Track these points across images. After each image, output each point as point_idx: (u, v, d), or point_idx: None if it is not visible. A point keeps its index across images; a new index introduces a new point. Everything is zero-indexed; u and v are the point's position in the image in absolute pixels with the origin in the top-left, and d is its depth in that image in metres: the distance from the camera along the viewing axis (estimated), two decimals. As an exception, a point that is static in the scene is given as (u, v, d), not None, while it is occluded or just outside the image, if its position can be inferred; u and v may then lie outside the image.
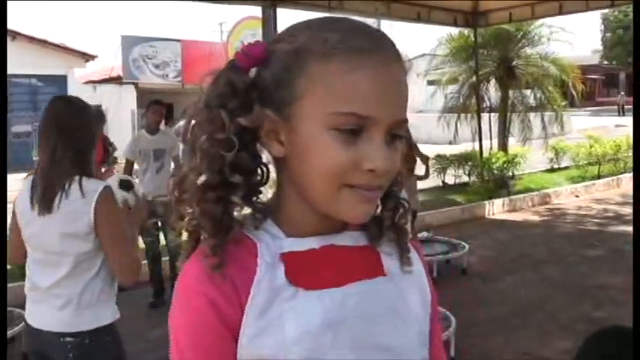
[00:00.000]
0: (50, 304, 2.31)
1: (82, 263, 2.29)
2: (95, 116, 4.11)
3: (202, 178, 0.81)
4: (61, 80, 18.98)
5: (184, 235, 0.88)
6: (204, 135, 0.81)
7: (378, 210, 0.90)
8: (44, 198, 2.26)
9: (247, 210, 0.86)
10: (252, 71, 0.83)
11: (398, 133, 0.82)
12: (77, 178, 2.26)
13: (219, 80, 0.83)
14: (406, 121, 0.83)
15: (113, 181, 2.60)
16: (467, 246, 6.71)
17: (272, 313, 0.80)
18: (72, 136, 2.30)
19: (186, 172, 0.84)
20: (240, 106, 0.81)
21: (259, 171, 0.86)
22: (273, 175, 0.89)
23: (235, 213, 0.84)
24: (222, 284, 0.80)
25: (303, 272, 0.82)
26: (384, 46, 0.81)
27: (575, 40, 18.17)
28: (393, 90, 0.80)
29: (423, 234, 7.15)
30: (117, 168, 5.97)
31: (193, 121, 0.84)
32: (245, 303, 0.80)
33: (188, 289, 0.83)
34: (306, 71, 0.79)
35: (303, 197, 0.84)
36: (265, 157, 0.87)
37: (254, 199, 0.86)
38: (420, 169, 5.99)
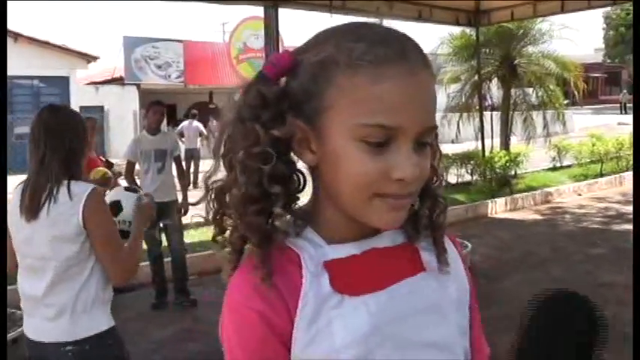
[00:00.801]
0: (43, 316, 2.31)
1: (73, 268, 2.28)
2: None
3: (243, 192, 0.82)
4: (64, 81, 19.02)
5: (226, 250, 0.88)
6: (240, 149, 0.82)
7: (415, 207, 0.91)
8: (31, 204, 2.27)
9: (286, 217, 0.86)
10: (282, 81, 0.84)
11: (426, 140, 0.82)
12: (65, 182, 2.27)
13: (249, 93, 0.83)
14: (435, 127, 0.84)
15: (120, 193, 2.62)
16: (470, 245, 6.69)
17: (320, 321, 0.81)
18: (60, 142, 2.32)
19: (223, 185, 0.85)
20: (272, 117, 0.82)
21: (296, 178, 0.87)
22: (309, 180, 0.91)
23: (277, 222, 0.85)
24: (270, 297, 0.82)
25: (347, 279, 0.83)
26: (409, 55, 0.80)
27: (577, 37, 18.14)
28: (419, 99, 0.80)
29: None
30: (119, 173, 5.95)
31: (225, 135, 0.85)
32: (294, 314, 0.81)
33: (238, 304, 0.84)
34: (334, 82, 0.79)
35: (336, 204, 0.85)
36: (300, 163, 0.88)
37: (294, 206, 0.87)
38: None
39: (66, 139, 2.34)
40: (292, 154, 0.86)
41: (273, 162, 0.81)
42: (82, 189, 2.28)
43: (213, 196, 0.86)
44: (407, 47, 0.81)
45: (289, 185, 0.85)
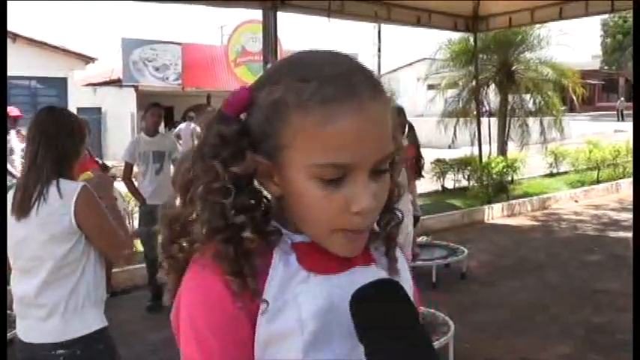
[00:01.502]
0: (35, 316, 2.31)
1: (65, 267, 2.28)
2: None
3: (207, 225, 0.86)
4: (61, 82, 19.00)
5: (167, 275, 0.93)
6: (200, 185, 0.85)
7: (375, 227, 0.95)
8: (22, 203, 2.28)
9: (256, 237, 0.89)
10: (242, 116, 0.87)
11: (383, 168, 0.85)
12: (55, 181, 2.28)
13: (210, 131, 0.87)
14: (391, 154, 0.86)
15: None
16: (466, 250, 6.70)
17: (287, 294, 0.85)
18: (53, 142, 2.33)
19: (177, 216, 0.89)
20: (232, 154, 0.85)
21: (262, 205, 0.90)
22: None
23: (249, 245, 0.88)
24: (242, 271, 0.85)
25: (312, 259, 0.88)
26: (358, 90, 0.82)
27: (574, 43, 18.19)
28: (371, 133, 0.82)
29: (422, 238, 7.15)
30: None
31: (186, 168, 0.89)
32: (262, 286, 0.85)
33: (200, 279, 0.86)
34: (287, 122, 0.82)
35: (302, 227, 0.89)
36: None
37: (267, 227, 0.89)
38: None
39: (60, 140, 2.35)
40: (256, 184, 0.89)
41: (232, 197, 0.85)
42: (72, 187, 2.29)
43: (166, 222, 0.90)
44: (355, 81, 0.82)
45: (255, 213, 0.88)
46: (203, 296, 0.85)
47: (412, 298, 0.91)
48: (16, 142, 7.51)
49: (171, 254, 0.91)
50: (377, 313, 0.80)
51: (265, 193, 0.92)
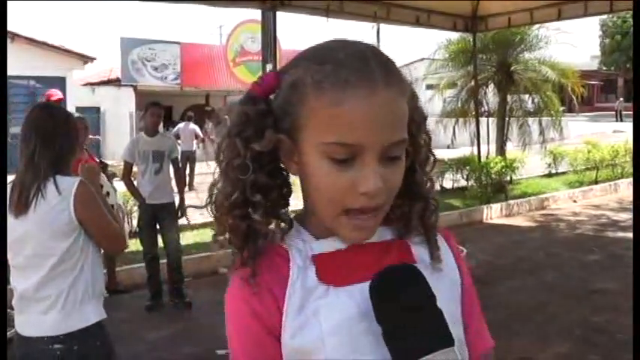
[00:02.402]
0: (36, 310, 2.32)
1: (65, 263, 2.30)
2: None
3: (228, 198, 0.91)
4: (60, 82, 18.94)
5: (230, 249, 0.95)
6: (225, 161, 0.91)
7: (405, 208, 0.96)
8: (19, 200, 2.28)
9: (269, 222, 0.94)
10: (271, 97, 0.92)
11: (394, 155, 0.87)
12: (52, 178, 2.29)
13: (235, 111, 0.92)
14: (401, 141, 0.87)
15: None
16: (465, 250, 6.69)
17: (308, 310, 0.87)
18: (50, 141, 2.34)
19: (216, 193, 0.94)
20: (254, 133, 0.89)
21: (283, 188, 0.95)
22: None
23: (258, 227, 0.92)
24: (260, 292, 0.89)
25: (332, 271, 0.90)
26: (371, 75, 0.84)
27: (574, 41, 18.20)
28: (380, 116, 0.84)
29: (421, 238, 7.16)
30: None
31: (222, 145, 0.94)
32: (282, 303, 0.88)
33: (233, 298, 0.93)
34: (305, 103, 0.86)
35: (314, 211, 0.93)
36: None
37: (282, 211, 0.95)
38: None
39: (57, 139, 2.36)
40: (281, 164, 0.93)
41: (250, 173, 0.89)
42: (69, 183, 2.30)
43: (212, 200, 0.94)
44: (370, 67, 0.85)
45: (270, 194, 0.92)
46: (234, 319, 0.92)
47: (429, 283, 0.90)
48: None
49: (222, 230, 0.94)
50: (393, 295, 0.82)
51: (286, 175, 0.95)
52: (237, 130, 0.90)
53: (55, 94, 7.59)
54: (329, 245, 0.92)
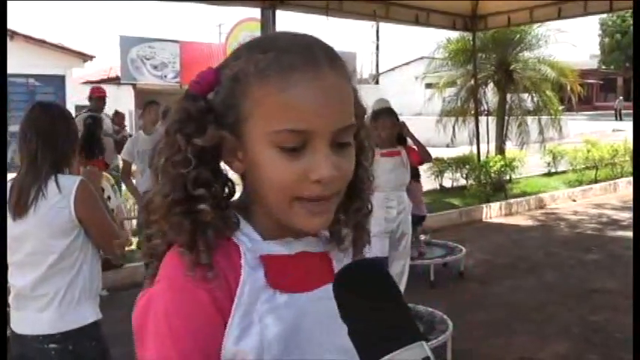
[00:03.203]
0: (33, 308, 2.32)
1: (63, 261, 2.30)
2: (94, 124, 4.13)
3: (168, 196, 0.86)
4: (59, 80, 18.95)
5: (146, 257, 0.92)
6: (164, 158, 0.87)
7: (343, 215, 0.95)
8: (19, 202, 2.28)
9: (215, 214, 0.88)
10: (210, 95, 0.89)
11: (345, 140, 0.86)
12: (53, 177, 2.29)
13: (176, 109, 0.89)
14: (351, 126, 0.86)
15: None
16: (464, 249, 6.70)
17: (253, 314, 0.85)
18: (53, 142, 2.33)
19: (152, 195, 0.89)
20: (196, 129, 0.86)
21: (224, 187, 0.91)
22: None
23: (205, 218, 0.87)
24: (218, 281, 0.84)
25: (279, 276, 0.88)
26: (316, 60, 0.83)
27: (573, 41, 18.17)
28: (327, 101, 0.83)
29: (421, 237, 7.15)
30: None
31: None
32: (234, 298, 0.84)
33: (188, 291, 0.84)
34: (247, 94, 0.84)
35: (264, 207, 0.89)
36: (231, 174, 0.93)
37: (226, 210, 0.89)
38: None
39: (58, 139, 2.35)
40: (222, 164, 0.91)
41: (192, 167, 0.85)
42: (70, 181, 2.30)
43: (143, 206, 0.92)
44: (314, 53, 0.84)
45: (214, 190, 0.87)
46: (183, 299, 0.84)
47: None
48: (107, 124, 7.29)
49: (147, 237, 0.91)
50: (356, 290, 0.79)
51: (229, 177, 0.92)
52: (178, 127, 0.87)
53: (97, 90, 7.54)
54: (277, 248, 0.90)
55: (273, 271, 0.88)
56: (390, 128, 4.61)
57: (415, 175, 5.74)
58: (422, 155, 4.92)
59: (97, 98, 7.23)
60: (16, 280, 2.38)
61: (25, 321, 2.35)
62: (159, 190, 0.87)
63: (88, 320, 2.34)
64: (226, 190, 0.91)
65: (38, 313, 2.30)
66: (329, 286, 0.84)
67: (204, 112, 0.87)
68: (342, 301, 0.80)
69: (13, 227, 2.31)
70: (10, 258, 2.38)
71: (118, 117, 8.31)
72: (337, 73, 0.85)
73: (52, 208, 2.26)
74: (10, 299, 2.41)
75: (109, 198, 2.66)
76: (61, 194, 2.26)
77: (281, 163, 0.83)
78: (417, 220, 6.44)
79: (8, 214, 2.31)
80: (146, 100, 6.19)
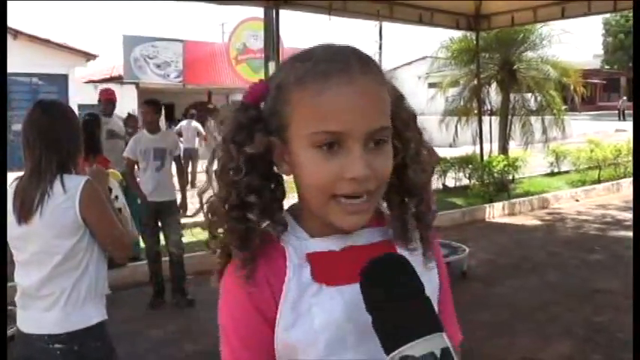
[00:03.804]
0: (38, 307, 2.32)
1: (69, 261, 2.29)
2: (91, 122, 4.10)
3: (224, 201, 0.96)
4: (62, 79, 18.99)
5: (217, 253, 1.01)
6: (220, 165, 0.97)
7: (401, 213, 1.01)
8: (24, 205, 2.27)
9: (264, 222, 0.97)
10: (262, 105, 0.97)
11: (381, 138, 0.92)
12: (58, 177, 2.27)
13: (229, 119, 0.98)
14: (385, 128, 0.92)
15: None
16: (467, 249, 6.70)
17: (301, 307, 0.93)
18: (57, 145, 2.31)
19: (213, 199, 0.98)
20: (246, 137, 0.95)
21: (276, 190, 0.99)
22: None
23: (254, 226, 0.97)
24: (260, 286, 0.94)
25: (325, 270, 0.95)
26: (348, 66, 0.91)
27: (576, 41, 18.15)
28: (361, 104, 0.89)
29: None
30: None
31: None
32: (278, 298, 0.93)
33: (232, 289, 0.96)
34: (289, 101, 0.92)
35: (308, 207, 0.97)
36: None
37: (276, 213, 0.98)
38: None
39: (62, 142, 2.32)
40: (274, 168, 0.99)
41: (242, 175, 0.94)
42: (75, 182, 2.29)
43: (206, 208, 1.00)
44: (349, 60, 0.92)
45: (264, 195, 0.96)
46: (232, 307, 0.96)
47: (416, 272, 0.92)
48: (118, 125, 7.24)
49: (214, 236, 0.99)
50: (382, 283, 0.84)
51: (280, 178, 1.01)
52: (231, 136, 0.95)
53: (106, 92, 7.53)
54: (323, 245, 0.97)
55: (319, 267, 0.95)
56: None
57: None
58: None
59: (106, 100, 7.23)
60: (21, 279, 2.37)
61: (30, 320, 2.34)
62: (217, 194, 0.97)
63: (93, 321, 2.33)
64: (277, 193, 0.99)
65: (44, 313, 2.30)
66: None
67: (254, 121, 0.96)
68: (366, 293, 0.85)
69: (17, 229, 2.30)
70: (16, 257, 2.38)
71: (130, 119, 8.27)
72: (370, 78, 0.92)
73: (58, 208, 2.25)
74: (16, 298, 2.41)
75: (116, 197, 2.63)
76: (66, 195, 2.25)
77: (318, 163, 0.90)
78: None
79: (13, 218, 2.30)
80: (144, 99, 6.19)
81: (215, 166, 0.98)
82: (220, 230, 0.98)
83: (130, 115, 8.72)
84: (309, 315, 0.92)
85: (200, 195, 1.00)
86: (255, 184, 0.95)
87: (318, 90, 0.89)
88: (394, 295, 0.82)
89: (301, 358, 0.92)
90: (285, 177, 1.01)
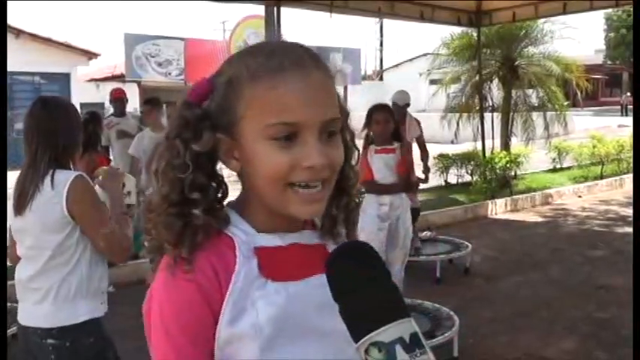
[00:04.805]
0: (30, 299, 2.35)
1: (58, 257, 2.30)
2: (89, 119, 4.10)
3: (165, 197, 0.95)
4: (64, 78, 18.99)
5: (150, 255, 1.00)
6: (164, 162, 0.95)
7: (332, 211, 1.03)
8: (19, 198, 2.30)
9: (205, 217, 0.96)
10: (205, 103, 0.97)
11: (332, 130, 0.95)
12: (51, 172, 2.28)
13: (175, 117, 0.97)
14: (337, 119, 0.96)
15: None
16: (470, 246, 6.69)
17: (247, 299, 0.93)
18: (52, 139, 2.32)
19: (151, 195, 0.97)
20: (193, 135, 0.94)
21: (219, 188, 0.99)
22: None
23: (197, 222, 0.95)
24: (207, 276, 0.93)
25: (272, 266, 0.96)
26: (300, 60, 0.93)
27: (578, 36, 18.08)
28: (315, 95, 0.92)
29: (426, 233, 7.15)
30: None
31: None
32: (225, 292, 0.92)
33: (177, 287, 0.93)
34: (240, 96, 0.93)
35: (260, 199, 0.97)
36: (227, 174, 1.01)
37: (217, 210, 0.98)
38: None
39: (58, 136, 2.33)
40: (218, 166, 0.99)
41: (190, 172, 0.93)
42: (65, 176, 2.28)
43: (144, 206, 0.99)
44: (299, 53, 0.94)
45: (209, 193, 0.96)
46: (174, 297, 0.93)
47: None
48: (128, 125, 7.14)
49: (148, 233, 0.98)
50: (348, 271, 0.84)
51: (223, 179, 1.00)
52: (177, 133, 0.95)
53: (117, 91, 7.52)
54: (270, 240, 0.98)
55: (266, 261, 0.96)
56: (382, 124, 4.50)
57: (426, 178, 5.63)
58: (408, 165, 4.70)
59: (116, 100, 7.22)
60: (18, 272, 2.42)
61: (24, 312, 2.38)
62: (158, 191, 0.95)
63: (82, 318, 2.32)
64: (220, 192, 0.99)
65: (36, 305, 2.33)
66: (323, 276, 0.89)
67: (201, 119, 0.95)
68: (333, 281, 0.85)
69: (15, 221, 2.35)
70: (18, 250, 2.42)
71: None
72: (321, 71, 0.95)
73: (46, 203, 2.26)
74: (16, 289, 2.44)
75: (128, 193, 2.62)
76: (53, 190, 2.25)
77: (275, 153, 0.91)
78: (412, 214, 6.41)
79: (13, 208, 2.34)
80: (145, 97, 6.19)
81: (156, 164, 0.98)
82: (154, 230, 0.96)
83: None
84: (254, 308, 0.92)
85: (142, 192, 1.01)
86: (200, 182, 0.95)
87: (273, 83, 0.91)
88: (361, 283, 0.82)
89: (242, 352, 0.92)
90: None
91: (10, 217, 2.39)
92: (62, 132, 2.35)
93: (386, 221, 4.52)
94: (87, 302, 2.36)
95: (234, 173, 1.00)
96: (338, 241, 1.05)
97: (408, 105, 6.65)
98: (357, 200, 1.08)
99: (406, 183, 4.66)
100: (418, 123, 6.87)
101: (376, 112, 4.53)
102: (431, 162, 11.12)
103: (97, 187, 2.45)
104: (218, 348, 0.93)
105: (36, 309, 2.33)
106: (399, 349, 0.77)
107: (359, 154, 1.07)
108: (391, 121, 4.55)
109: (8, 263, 2.49)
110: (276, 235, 0.99)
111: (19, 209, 2.30)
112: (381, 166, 4.50)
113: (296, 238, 1.01)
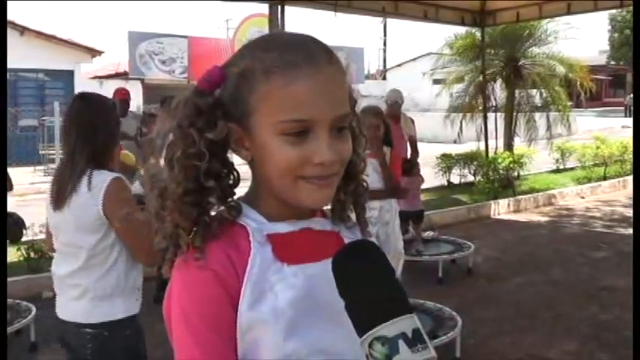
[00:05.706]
0: (68, 295, 2.38)
1: (95, 257, 2.32)
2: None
3: (181, 185, 0.95)
4: (68, 75, 19.00)
5: (163, 243, 0.99)
6: (179, 150, 0.95)
7: (340, 196, 1.05)
8: (57, 195, 2.33)
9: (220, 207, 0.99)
10: (217, 92, 0.97)
11: (342, 126, 0.96)
12: (88, 171, 2.29)
13: (186, 104, 0.97)
14: (348, 114, 0.97)
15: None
16: (472, 246, 6.69)
17: (265, 284, 0.94)
18: (90, 134, 2.33)
19: (166, 184, 0.97)
20: (206, 123, 0.95)
21: (230, 175, 1.01)
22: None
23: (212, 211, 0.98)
24: (223, 264, 0.93)
25: (286, 250, 0.97)
26: (315, 56, 0.94)
27: (582, 37, 18.06)
28: (327, 92, 0.93)
29: (429, 233, 7.14)
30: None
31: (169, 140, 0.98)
32: (242, 277, 0.93)
33: (195, 276, 0.94)
34: (254, 89, 0.94)
35: (270, 189, 0.98)
36: (237, 161, 1.03)
37: (229, 199, 1.00)
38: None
39: (96, 133, 2.34)
40: (229, 154, 1.00)
41: (206, 160, 0.94)
42: (102, 178, 2.29)
43: (157, 193, 0.98)
44: (312, 50, 0.95)
45: (223, 181, 0.98)
46: (190, 287, 0.94)
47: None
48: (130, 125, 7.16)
49: (164, 222, 0.98)
50: (354, 268, 0.87)
51: (238, 163, 1.02)
52: (190, 122, 0.95)
53: (120, 92, 7.56)
54: (282, 227, 0.99)
55: (280, 247, 0.97)
56: (372, 129, 4.21)
57: (407, 169, 5.51)
58: (385, 178, 4.45)
59: (120, 101, 7.23)
60: (55, 266, 2.46)
61: (63, 307, 2.41)
62: (173, 179, 0.95)
63: (118, 316, 2.36)
64: (232, 179, 1.01)
65: (73, 301, 2.36)
66: None
67: (214, 107, 0.96)
68: (339, 278, 0.87)
69: (53, 216, 2.38)
70: (54, 244, 2.47)
71: (150, 118, 8.20)
72: (334, 68, 0.95)
73: (83, 203, 2.27)
74: (54, 283, 2.48)
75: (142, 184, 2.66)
76: (89, 192, 2.26)
77: (286, 148, 0.92)
78: (412, 216, 6.40)
79: (50, 204, 2.37)
80: (155, 95, 6.20)
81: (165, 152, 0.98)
82: (169, 217, 0.96)
83: (150, 114, 8.65)
84: (272, 293, 0.93)
85: (152, 179, 1.00)
86: (215, 169, 0.96)
87: (286, 80, 0.91)
88: (366, 280, 0.85)
89: (265, 336, 0.92)
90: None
91: (47, 211, 2.42)
92: (101, 129, 2.35)
93: (375, 225, 4.43)
94: (123, 300, 2.39)
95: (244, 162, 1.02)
96: (349, 225, 1.07)
97: (400, 103, 6.71)
98: (365, 185, 1.09)
99: (394, 189, 4.58)
100: (413, 122, 7.00)
101: (363, 114, 4.41)
102: (432, 162, 11.15)
103: (135, 185, 2.47)
104: (240, 335, 0.92)
105: (74, 305, 2.35)
106: (401, 344, 0.79)
107: (366, 140, 1.08)
108: (382, 126, 4.42)
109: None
110: (289, 221, 1.00)
111: (58, 205, 2.32)
112: (370, 171, 4.42)
113: (307, 224, 1.02)
